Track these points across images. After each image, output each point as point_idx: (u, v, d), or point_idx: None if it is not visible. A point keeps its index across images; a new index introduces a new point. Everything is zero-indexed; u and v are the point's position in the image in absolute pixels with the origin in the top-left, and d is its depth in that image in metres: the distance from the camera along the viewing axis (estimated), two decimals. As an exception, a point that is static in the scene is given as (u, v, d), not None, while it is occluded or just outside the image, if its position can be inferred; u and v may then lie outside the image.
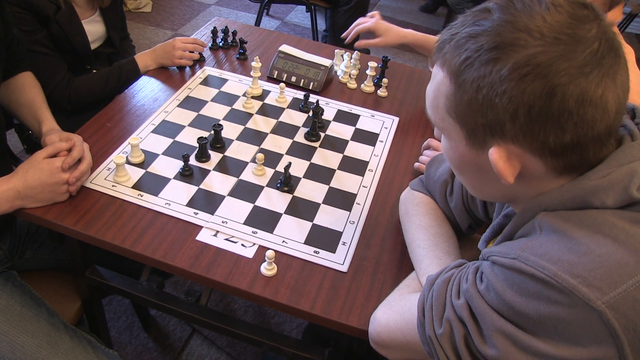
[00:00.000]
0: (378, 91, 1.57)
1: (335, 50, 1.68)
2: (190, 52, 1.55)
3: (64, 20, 1.42)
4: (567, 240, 0.60)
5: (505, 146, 0.63)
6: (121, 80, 1.51)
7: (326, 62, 1.53)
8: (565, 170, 0.64)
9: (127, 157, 1.20)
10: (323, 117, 1.40)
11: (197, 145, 1.23)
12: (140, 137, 1.27)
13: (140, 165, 1.20)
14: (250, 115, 1.40)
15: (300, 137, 1.34)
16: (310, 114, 1.38)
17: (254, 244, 1.05)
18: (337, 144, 1.34)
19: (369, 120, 1.45)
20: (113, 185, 1.13)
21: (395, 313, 0.84)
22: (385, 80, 1.56)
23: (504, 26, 0.60)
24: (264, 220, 1.10)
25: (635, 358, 0.56)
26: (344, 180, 1.23)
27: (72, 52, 1.49)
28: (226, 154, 1.26)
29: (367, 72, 1.56)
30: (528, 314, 0.60)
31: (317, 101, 1.37)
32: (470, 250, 1.00)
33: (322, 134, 1.36)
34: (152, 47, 1.56)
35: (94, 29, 1.55)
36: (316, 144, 1.32)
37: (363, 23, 1.56)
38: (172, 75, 1.53)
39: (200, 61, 1.59)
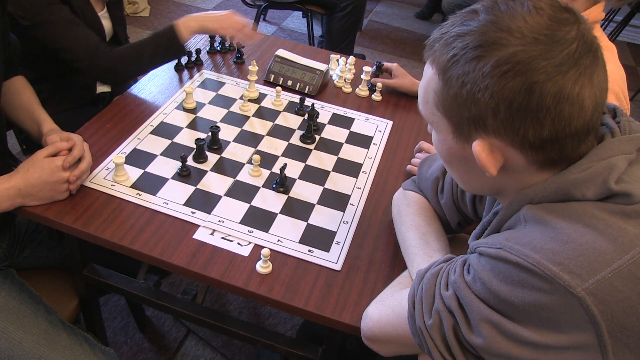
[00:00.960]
0: (372, 95, 1.60)
1: (331, 55, 1.71)
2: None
3: (82, 6, 1.44)
4: (550, 230, 0.63)
5: (488, 139, 0.66)
6: (161, 47, 1.42)
7: (322, 66, 1.56)
8: (545, 164, 0.67)
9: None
10: (318, 120, 1.42)
11: (194, 146, 1.25)
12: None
13: (192, 110, 1.35)
14: (247, 117, 1.43)
15: (295, 140, 1.36)
16: (306, 116, 1.40)
17: (250, 242, 1.07)
18: (331, 147, 1.37)
19: (364, 123, 1.48)
20: (112, 185, 1.16)
21: (386, 308, 0.87)
22: (379, 84, 1.59)
23: (488, 26, 0.64)
24: (259, 219, 1.13)
25: (613, 344, 0.59)
26: (338, 182, 1.26)
27: None
28: (223, 155, 1.29)
29: (362, 76, 1.59)
30: (513, 302, 0.63)
31: (313, 104, 1.40)
32: (461, 250, 1.02)
33: (317, 137, 1.39)
34: None
35: (104, 24, 1.57)
36: (311, 146, 1.35)
37: (387, 64, 1.67)
38: (170, 77, 1.55)
39: (198, 64, 1.61)
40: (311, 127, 1.35)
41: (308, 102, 1.49)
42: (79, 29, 1.39)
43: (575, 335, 0.60)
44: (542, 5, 0.64)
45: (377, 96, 1.59)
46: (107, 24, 1.60)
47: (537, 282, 0.60)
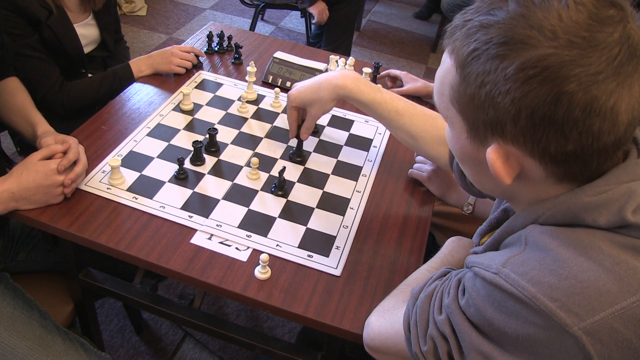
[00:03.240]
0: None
1: (330, 56, 1.69)
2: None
3: (56, 24, 1.43)
4: (551, 260, 0.58)
5: (505, 146, 0.61)
6: (114, 85, 1.50)
7: (321, 66, 1.55)
8: (566, 177, 0.62)
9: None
10: (317, 122, 1.40)
11: (192, 148, 1.23)
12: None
13: (189, 112, 1.36)
14: (245, 119, 1.41)
15: (294, 142, 1.34)
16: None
17: (248, 247, 1.06)
18: (331, 149, 1.35)
19: (363, 125, 1.46)
20: (108, 188, 1.14)
21: (387, 322, 0.85)
22: (378, 85, 1.57)
23: (517, 20, 0.56)
24: (258, 224, 1.11)
25: None
26: (337, 185, 1.24)
27: (65, 56, 1.49)
28: (221, 157, 1.27)
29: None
30: (506, 332, 0.60)
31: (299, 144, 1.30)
32: (464, 252, 0.99)
33: (309, 153, 1.36)
34: (147, 51, 1.57)
35: (87, 32, 1.55)
36: (300, 167, 1.28)
37: (394, 71, 1.64)
38: (167, 79, 1.53)
39: (197, 66, 1.60)
40: (301, 145, 1.29)
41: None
42: (40, 64, 1.43)
43: None
44: (583, 0, 0.55)
45: None
46: (92, 31, 1.58)
47: (532, 316, 0.57)
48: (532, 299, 0.56)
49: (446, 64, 0.64)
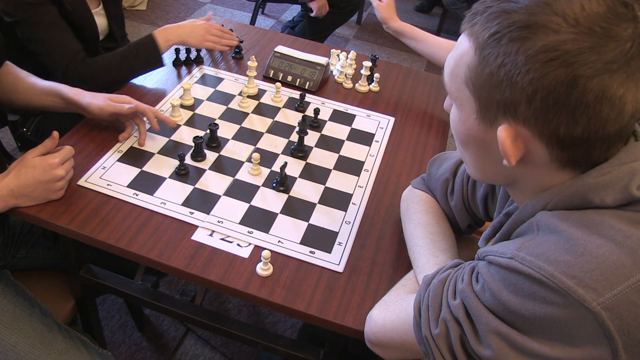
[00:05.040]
0: (370, 86, 1.58)
1: (332, 50, 1.68)
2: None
3: (76, 3, 1.41)
4: (564, 240, 0.60)
5: (515, 127, 0.63)
6: (139, 57, 1.41)
7: (322, 60, 1.53)
8: (568, 163, 0.64)
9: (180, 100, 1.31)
10: (319, 117, 1.39)
11: (192, 144, 1.22)
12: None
13: (190, 107, 1.37)
14: (246, 114, 1.40)
15: (296, 137, 1.33)
16: (297, 129, 1.32)
17: (250, 243, 1.05)
18: (332, 144, 1.34)
19: (365, 120, 1.45)
20: (108, 184, 1.13)
21: (391, 313, 0.84)
22: (377, 75, 1.57)
23: (541, 7, 0.59)
24: (259, 220, 1.10)
25: (628, 358, 0.56)
26: (339, 180, 1.23)
27: (81, 39, 1.45)
28: (222, 153, 1.26)
29: (362, 71, 1.56)
30: (523, 314, 0.60)
31: (304, 117, 1.31)
32: (468, 250, 1.00)
33: (309, 150, 1.35)
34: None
35: (98, 21, 1.54)
36: (302, 162, 1.27)
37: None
38: (168, 73, 1.52)
39: (199, 62, 1.58)
40: (303, 140, 1.28)
41: (308, 98, 1.46)
42: (61, 35, 1.36)
43: (588, 349, 0.58)
44: None
45: (375, 87, 1.58)
46: (102, 21, 1.56)
47: (550, 295, 0.58)
48: (549, 277, 0.58)
49: (463, 46, 0.66)
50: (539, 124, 0.61)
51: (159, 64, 1.45)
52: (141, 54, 1.42)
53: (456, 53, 0.68)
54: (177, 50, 1.54)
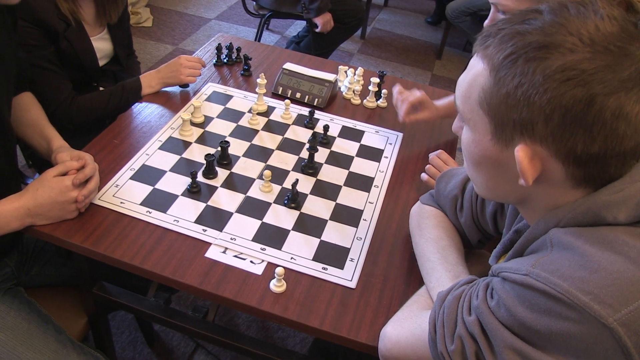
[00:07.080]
0: (378, 102, 1.59)
1: (339, 67, 1.70)
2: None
3: (74, 37, 1.43)
4: (579, 257, 0.61)
5: (532, 146, 0.63)
6: (123, 99, 1.50)
7: (330, 76, 1.55)
8: (583, 181, 0.64)
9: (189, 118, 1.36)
10: (328, 133, 1.41)
11: (204, 162, 1.23)
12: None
13: (200, 125, 1.39)
14: (256, 131, 1.42)
15: (305, 154, 1.35)
16: (307, 145, 1.33)
17: (263, 260, 1.06)
18: (342, 160, 1.36)
19: (374, 136, 1.46)
20: (121, 202, 1.14)
21: (405, 330, 0.85)
22: (384, 91, 1.58)
23: (556, 27, 0.60)
24: (272, 236, 1.11)
25: None
26: (350, 197, 1.24)
27: (79, 69, 1.50)
28: (233, 170, 1.27)
29: (370, 87, 1.58)
30: (539, 330, 0.61)
31: (314, 134, 1.31)
32: (479, 266, 1.01)
33: (321, 165, 1.37)
34: (154, 62, 1.56)
35: (101, 46, 1.56)
36: (312, 178, 1.28)
37: (408, 96, 1.43)
38: (177, 92, 1.54)
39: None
40: (313, 157, 1.29)
41: (317, 115, 1.48)
42: (53, 77, 1.43)
43: None
44: (615, 15, 0.61)
45: (382, 102, 1.60)
46: (106, 45, 1.58)
47: (566, 311, 0.58)
48: (565, 293, 0.58)
49: (476, 68, 0.67)
50: (556, 142, 0.61)
51: (138, 100, 1.52)
52: (126, 95, 1.50)
53: (469, 75, 0.68)
54: (219, 49, 1.68)
